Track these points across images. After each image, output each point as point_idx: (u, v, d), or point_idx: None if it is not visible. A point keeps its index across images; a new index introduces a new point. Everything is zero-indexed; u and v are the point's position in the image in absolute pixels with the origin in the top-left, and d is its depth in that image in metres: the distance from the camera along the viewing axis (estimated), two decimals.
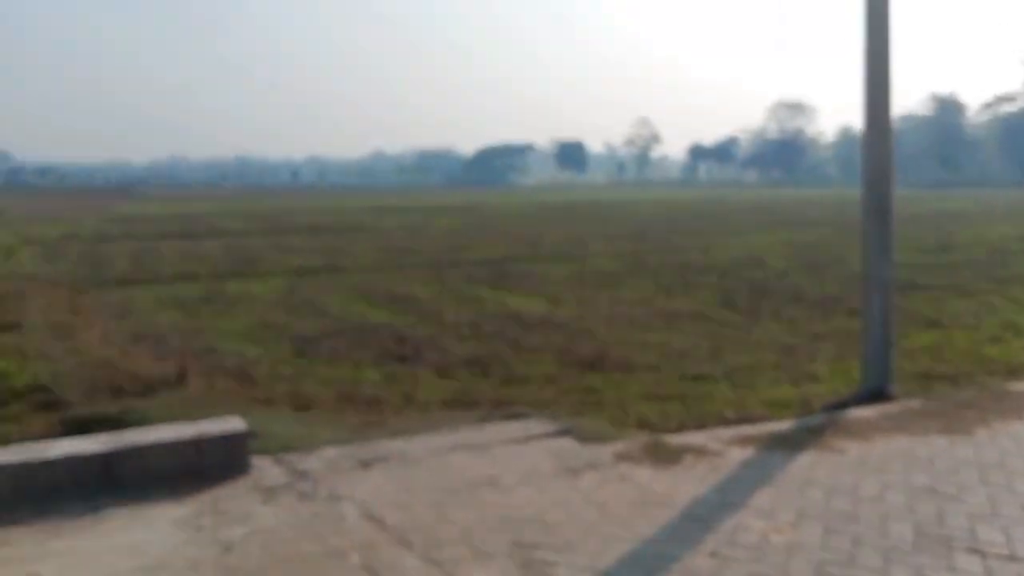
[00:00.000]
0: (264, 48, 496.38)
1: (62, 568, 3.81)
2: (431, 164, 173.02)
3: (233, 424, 5.11)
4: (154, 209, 48.95)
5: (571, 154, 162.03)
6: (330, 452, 5.25)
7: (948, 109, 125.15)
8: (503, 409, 6.49)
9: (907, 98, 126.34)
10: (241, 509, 4.42)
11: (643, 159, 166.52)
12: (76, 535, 4.18)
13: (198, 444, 4.95)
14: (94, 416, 6.42)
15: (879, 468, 5.00)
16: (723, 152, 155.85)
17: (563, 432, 5.65)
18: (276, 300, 12.86)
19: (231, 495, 4.62)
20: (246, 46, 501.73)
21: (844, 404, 6.60)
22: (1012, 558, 3.79)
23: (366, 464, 5.04)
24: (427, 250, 21.20)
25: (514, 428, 5.75)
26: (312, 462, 5.08)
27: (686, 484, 4.74)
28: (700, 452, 5.30)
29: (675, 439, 5.62)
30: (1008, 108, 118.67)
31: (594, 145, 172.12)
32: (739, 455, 5.26)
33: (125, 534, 4.17)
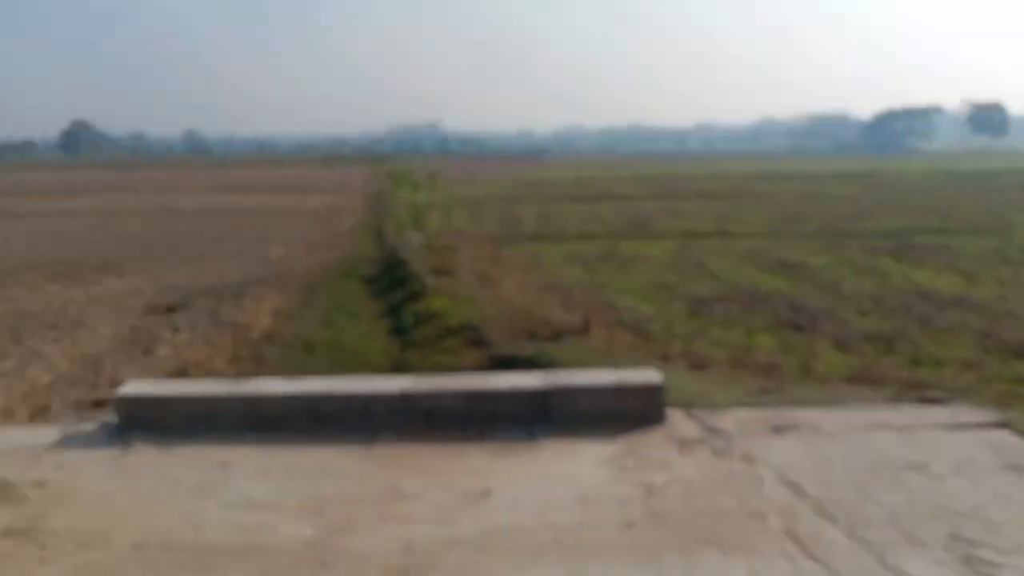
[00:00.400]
0: (655, 20, 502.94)
1: (508, 486, 4.34)
2: (824, 130, 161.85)
3: (651, 376, 5.39)
4: (556, 174, 52.54)
5: (987, 118, 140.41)
6: (741, 414, 5.28)
7: None
8: (916, 391, 5.95)
9: None
10: (660, 457, 4.64)
11: None
12: (517, 458, 4.73)
13: (620, 391, 5.29)
14: (514, 356, 7.12)
15: None
16: None
17: (999, 424, 5.03)
18: (668, 261, 13.13)
19: (649, 442, 4.87)
20: (641, 22, 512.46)
21: None
22: None
23: (779, 430, 4.98)
24: (820, 218, 20.06)
25: (938, 413, 5.25)
26: (723, 421, 5.15)
27: None
28: None
29: None
30: None
31: (1017, 108, 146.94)
32: None
33: (558, 464, 4.62)
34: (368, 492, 4.31)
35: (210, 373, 6.93)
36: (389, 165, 25.44)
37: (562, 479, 4.38)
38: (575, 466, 4.56)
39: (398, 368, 7.24)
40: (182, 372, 6.88)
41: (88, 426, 5.56)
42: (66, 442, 5.22)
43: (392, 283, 11.36)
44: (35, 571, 3.52)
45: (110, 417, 5.62)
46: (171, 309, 10.07)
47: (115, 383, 6.79)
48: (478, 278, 11.25)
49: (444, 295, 9.71)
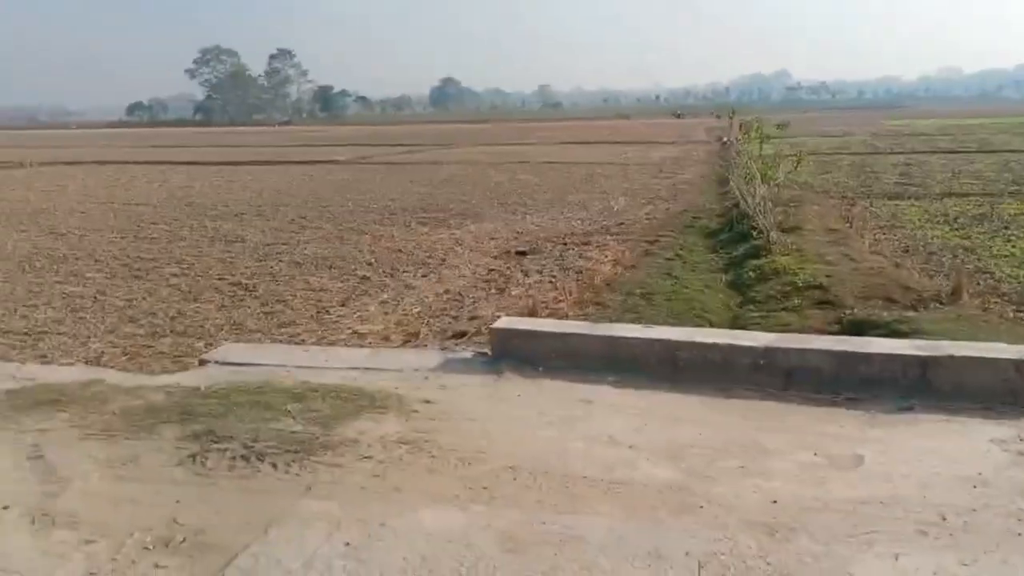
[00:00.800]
0: None
1: (882, 456, 4.03)
2: None
3: None
4: (922, 124, 47.40)
5: None
6: None
7: None
8: None
9: None
10: None
11: None
12: (890, 428, 4.38)
13: (1020, 366, 4.66)
14: (869, 320, 6.56)
15: None
16: None
17: None
18: None
19: None
20: None
21: None
22: None
23: None
24: None
25: None
26: None
27: None
28: None
29: None
30: None
31: None
32: None
33: (941, 440, 4.21)
34: (727, 443, 4.25)
35: (555, 314, 7.30)
36: (738, 116, 24.57)
37: (946, 457, 3.97)
38: (961, 445, 4.11)
39: (736, 323, 7.05)
40: (532, 311, 7.31)
41: (464, 353, 6.17)
42: (446, 366, 5.83)
43: (734, 237, 11.03)
44: (426, 479, 3.94)
45: (467, 346, 6.17)
46: (521, 253, 10.77)
47: (473, 317, 7.45)
48: (827, 235, 10.52)
49: (789, 252, 9.23)
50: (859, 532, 3.32)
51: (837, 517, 3.45)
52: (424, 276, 9.48)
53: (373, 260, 10.50)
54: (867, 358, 4.97)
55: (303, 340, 6.98)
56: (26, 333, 7.31)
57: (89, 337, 7.16)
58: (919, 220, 12.03)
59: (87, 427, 4.64)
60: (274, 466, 4.06)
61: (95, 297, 8.72)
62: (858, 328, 6.34)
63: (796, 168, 12.25)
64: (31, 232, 13.53)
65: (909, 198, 14.61)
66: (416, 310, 7.89)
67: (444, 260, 10.43)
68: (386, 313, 7.79)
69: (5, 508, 3.68)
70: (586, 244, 11.31)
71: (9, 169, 29.69)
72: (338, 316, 7.75)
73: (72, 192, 20.57)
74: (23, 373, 5.83)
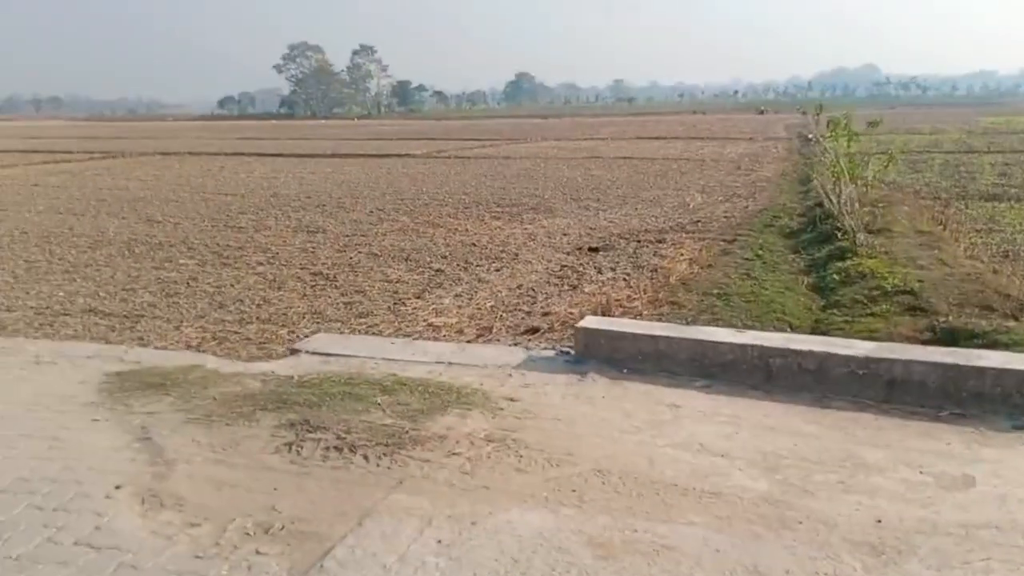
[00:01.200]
0: None
1: (994, 478, 3.89)
2: None
3: None
4: (1021, 122, 45.24)
5: None
6: None
7: None
8: None
9: None
10: None
11: None
12: (1003, 448, 4.22)
13: None
14: (964, 329, 6.30)
15: None
16: None
17: None
18: None
19: None
20: None
21: None
22: None
23: None
24: None
25: None
26: None
27: None
28: None
29: None
30: None
31: None
32: None
33: None
34: (824, 456, 4.14)
35: (629, 313, 7.23)
36: (826, 113, 23.81)
37: None
38: None
39: (818, 328, 6.86)
40: (605, 310, 7.25)
41: (547, 351, 6.18)
42: (528, 364, 5.84)
43: (816, 238, 10.73)
44: (514, 479, 3.97)
45: (540, 342, 6.14)
46: (594, 250, 10.70)
47: (546, 313, 7.44)
48: (918, 238, 10.14)
49: (877, 254, 8.93)
50: (974, 558, 3.19)
51: (949, 541, 3.32)
52: (497, 270, 9.51)
53: (447, 253, 10.58)
54: (979, 372, 4.77)
55: (380, 331, 7.09)
56: (125, 316, 7.64)
57: (182, 321, 7.42)
58: (1020, 223, 11.49)
59: (190, 411, 4.84)
60: (366, 458, 4.15)
61: (188, 283, 9.05)
62: (953, 337, 6.10)
63: (887, 167, 11.84)
64: (130, 219, 14.10)
65: (1008, 200, 13.92)
66: (489, 304, 7.92)
67: (517, 255, 10.44)
68: (460, 307, 7.84)
69: (117, 488, 3.86)
70: (661, 242, 11.17)
71: (110, 159, 30.90)
72: (414, 308, 7.84)
73: (167, 181, 21.31)
74: (130, 356, 6.13)
